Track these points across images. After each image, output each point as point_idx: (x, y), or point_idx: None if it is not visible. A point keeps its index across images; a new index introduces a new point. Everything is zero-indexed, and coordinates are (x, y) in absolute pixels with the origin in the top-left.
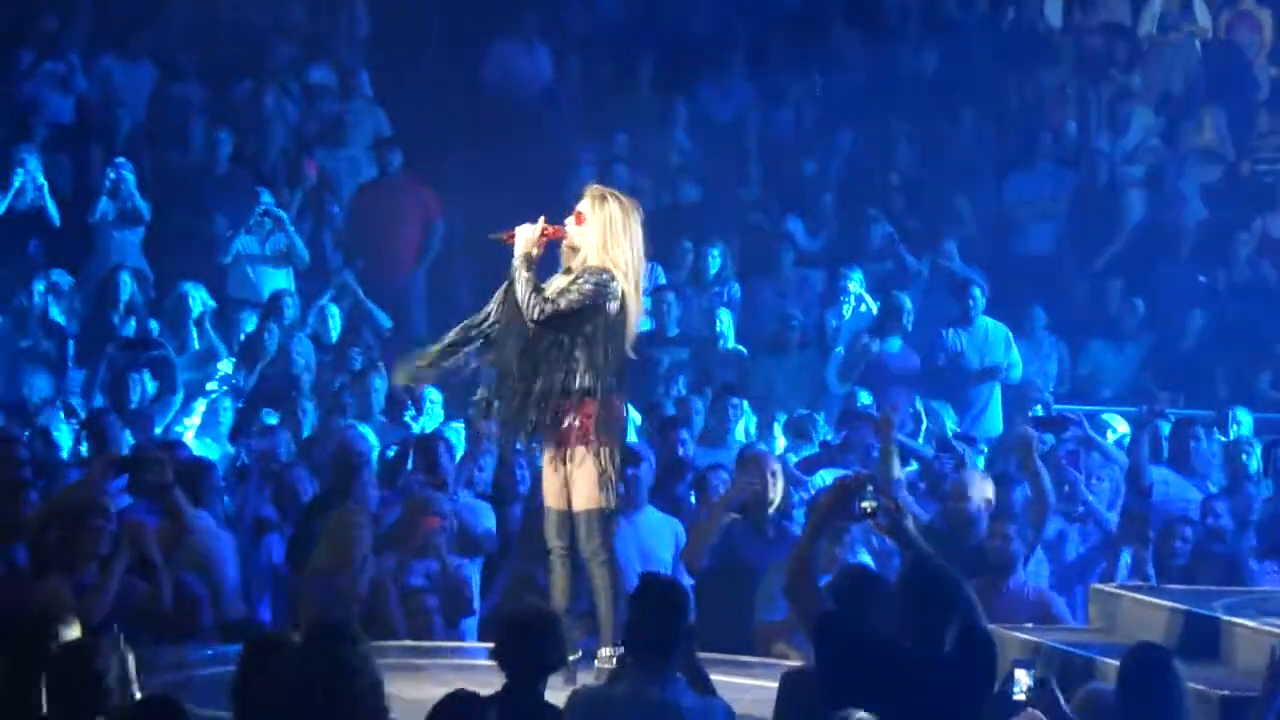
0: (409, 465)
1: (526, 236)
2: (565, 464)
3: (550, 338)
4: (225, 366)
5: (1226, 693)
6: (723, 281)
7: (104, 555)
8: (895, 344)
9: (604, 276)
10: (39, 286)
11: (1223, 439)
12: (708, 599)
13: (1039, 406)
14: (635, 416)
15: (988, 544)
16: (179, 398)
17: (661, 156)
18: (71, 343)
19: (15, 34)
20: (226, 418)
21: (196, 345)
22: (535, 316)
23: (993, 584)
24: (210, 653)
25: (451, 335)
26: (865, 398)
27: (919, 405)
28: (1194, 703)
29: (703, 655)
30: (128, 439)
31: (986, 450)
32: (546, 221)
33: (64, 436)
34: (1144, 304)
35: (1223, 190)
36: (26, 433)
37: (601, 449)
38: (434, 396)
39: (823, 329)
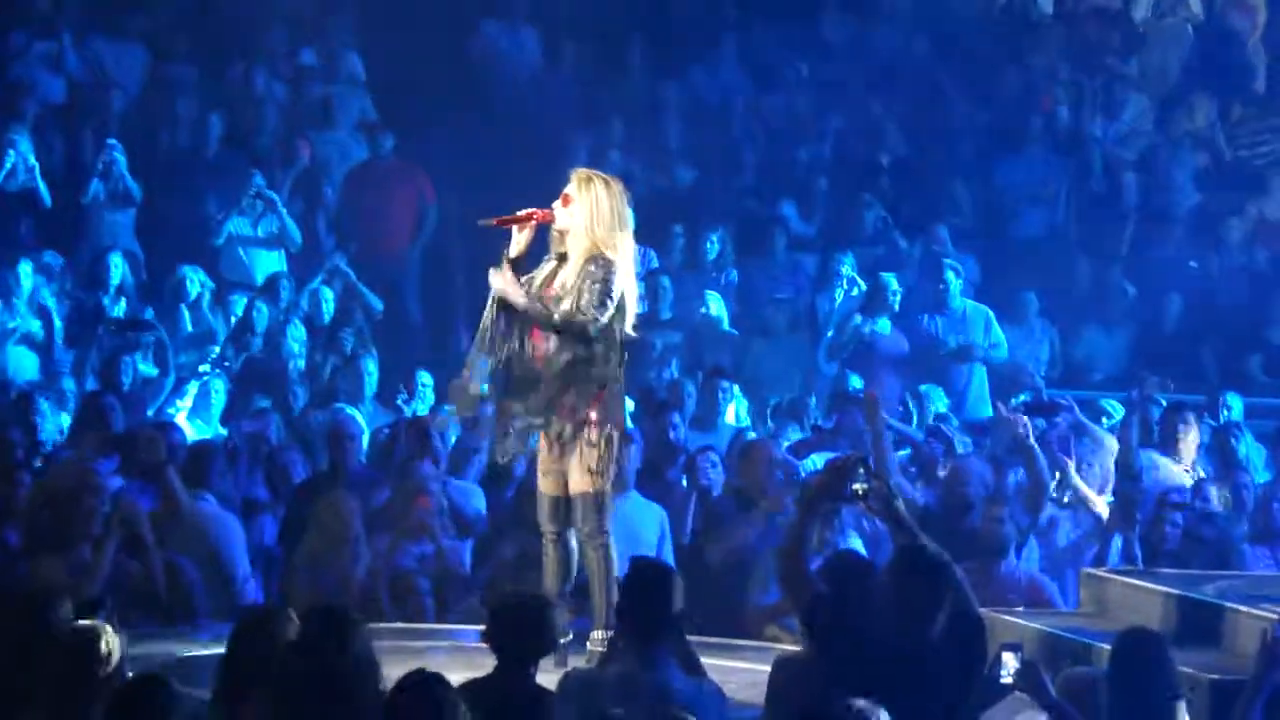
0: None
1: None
2: (565, 447)
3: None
4: (217, 349)
5: (1217, 676)
6: (721, 267)
7: (97, 536)
8: (885, 326)
9: (607, 266)
10: (27, 268)
11: (1213, 424)
12: (699, 583)
13: (1029, 391)
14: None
15: (980, 527)
16: (171, 380)
17: (653, 141)
18: (60, 324)
19: (6, 14)
20: (219, 400)
21: (191, 328)
22: (593, 333)
23: (984, 568)
24: (204, 635)
25: (475, 354)
26: (856, 381)
27: (910, 390)
28: (1184, 686)
29: (693, 639)
30: (118, 421)
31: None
32: (535, 207)
33: (54, 419)
34: (1135, 289)
35: (1214, 175)
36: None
37: (604, 432)
38: (425, 380)
39: (815, 313)
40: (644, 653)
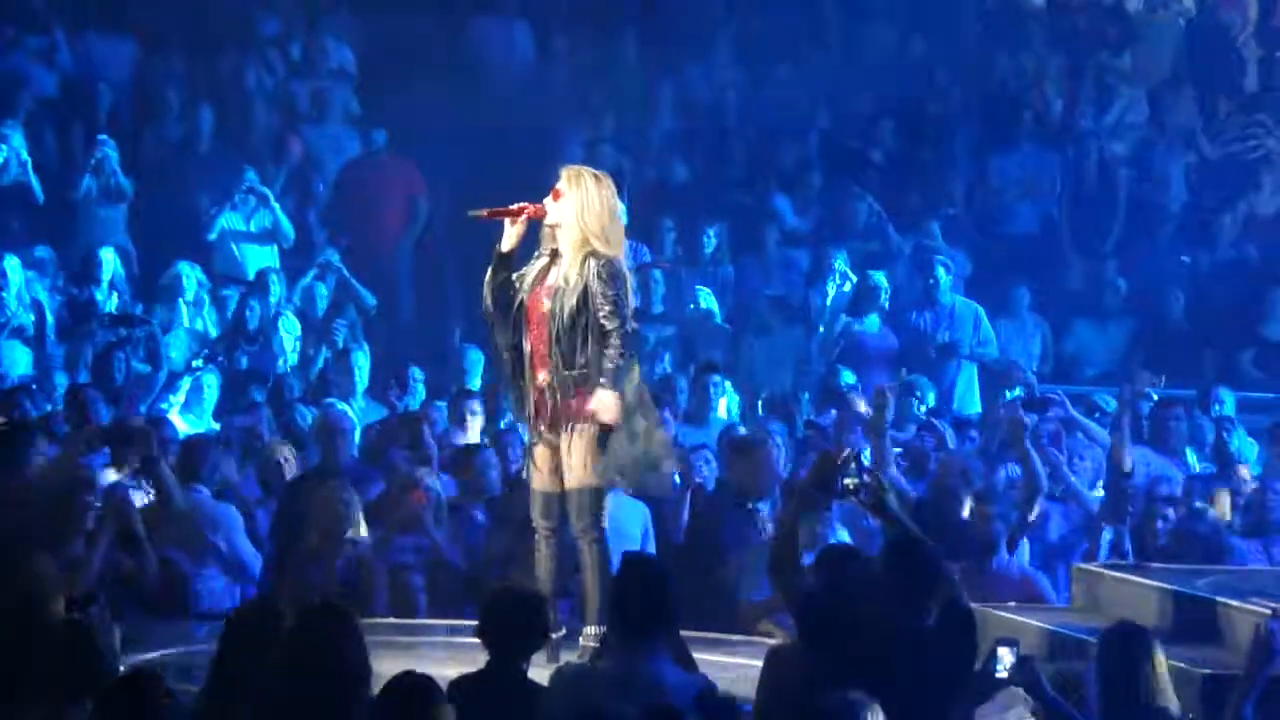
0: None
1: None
2: (560, 443)
3: (583, 325)
4: (210, 344)
5: (1209, 671)
6: (717, 262)
7: (89, 530)
8: (874, 323)
9: (612, 261)
10: (14, 262)
11: (1208, 419)
12: (692, 578)
13: (1020, 387)
14: None
15: (971, 524)
16: (164, 375)
17: (646, 135)
18: (52, 319)
19: None
20: (211, 395)
21: (187, 324)
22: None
23: (976, 564)
24: (198, 630)
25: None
26: (849, 377)
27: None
28: (1176, 681)
29: (686, 634)
30: (99, 413)
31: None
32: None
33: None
34: (1127, 284)
35: (1206, 171)
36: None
37: (602, 428)
38: (418, 374)
39: (808, 308)
40: (636, 648)
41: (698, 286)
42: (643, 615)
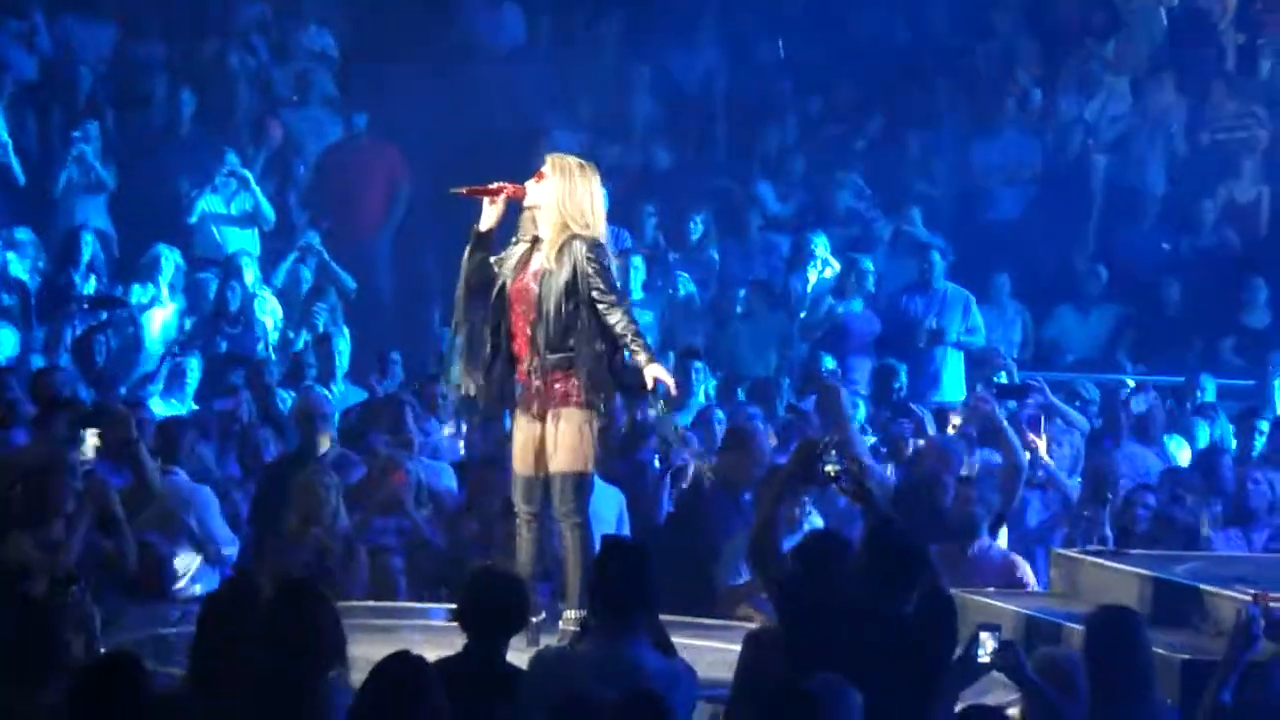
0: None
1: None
2: (544, 427)
3: (571, 309)
4: (189, 326)
5: (1188, 656)
6: (704, 248)
7: (69, 512)
8: (857, 306)
9: (597, 240)
10: None
11: (1189, 405)
12: (671, 563)
13: (1003, 373)
14: None
15: (951, 508)
16: (144, 357)
17: (627, 121)
18: (34, 299)
19: None
20: (193, 379)
21: (165, 305)
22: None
23: (957, 548)
24: (176, 612)
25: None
26: (829, 362)
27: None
28: (1156, 666)
29: (665, 618)
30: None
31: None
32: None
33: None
34: (1108, 271)
35: (1186, 158)
36: None
37: (590, 413)
38: (396, 358)
39: (788, 292)
40: (616, 632)
41: (678, 272)
42: (623, 599)
